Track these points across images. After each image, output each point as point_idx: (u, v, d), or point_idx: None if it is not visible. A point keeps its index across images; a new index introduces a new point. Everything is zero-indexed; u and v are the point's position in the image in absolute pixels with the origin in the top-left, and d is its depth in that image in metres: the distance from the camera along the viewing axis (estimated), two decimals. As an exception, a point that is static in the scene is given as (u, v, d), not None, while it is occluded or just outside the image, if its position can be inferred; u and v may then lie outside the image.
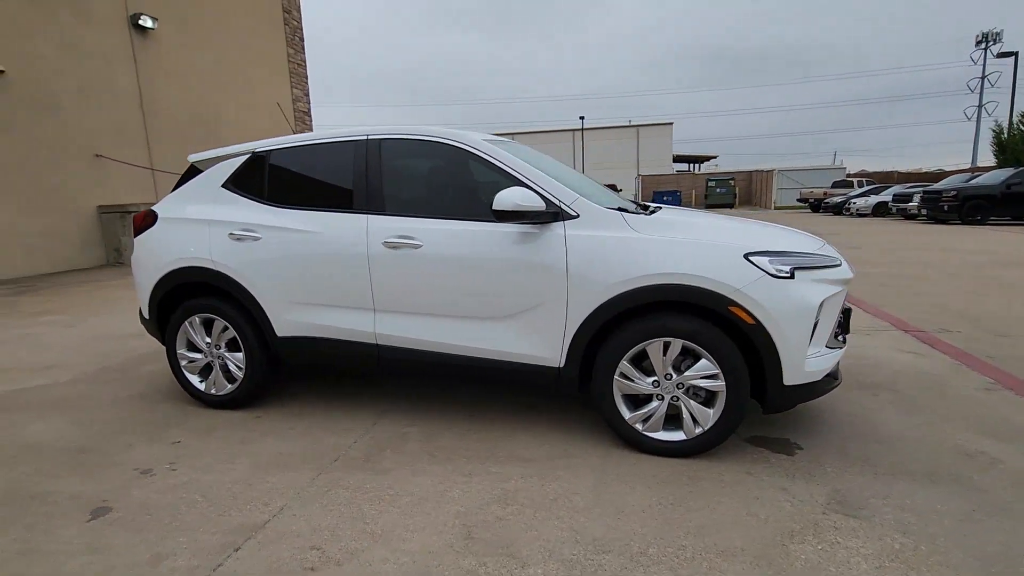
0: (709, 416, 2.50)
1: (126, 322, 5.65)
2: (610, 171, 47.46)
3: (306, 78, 18.38)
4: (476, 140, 2.86)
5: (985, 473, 2.37)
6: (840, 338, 2.76)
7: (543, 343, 2.67)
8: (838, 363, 2.72)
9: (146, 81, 12.44)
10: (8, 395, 3.66)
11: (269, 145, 3.25)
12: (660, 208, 3.54)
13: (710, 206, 34.32)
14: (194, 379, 3.32)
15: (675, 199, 35.35)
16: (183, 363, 3.32)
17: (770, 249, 2.50)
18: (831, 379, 2.63)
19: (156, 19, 12.50)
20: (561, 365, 2.66)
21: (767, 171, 34.53)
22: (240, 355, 3.19)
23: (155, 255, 3.30)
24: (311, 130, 18.41)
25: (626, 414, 2.61)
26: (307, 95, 18.43)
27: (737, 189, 35.66)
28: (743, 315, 2.39)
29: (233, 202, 3.20)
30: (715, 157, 57.62)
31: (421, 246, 2.78)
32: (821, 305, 2.47)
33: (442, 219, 2.81)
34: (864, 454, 2.57)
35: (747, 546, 1.93)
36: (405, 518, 2.15)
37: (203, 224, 3.20)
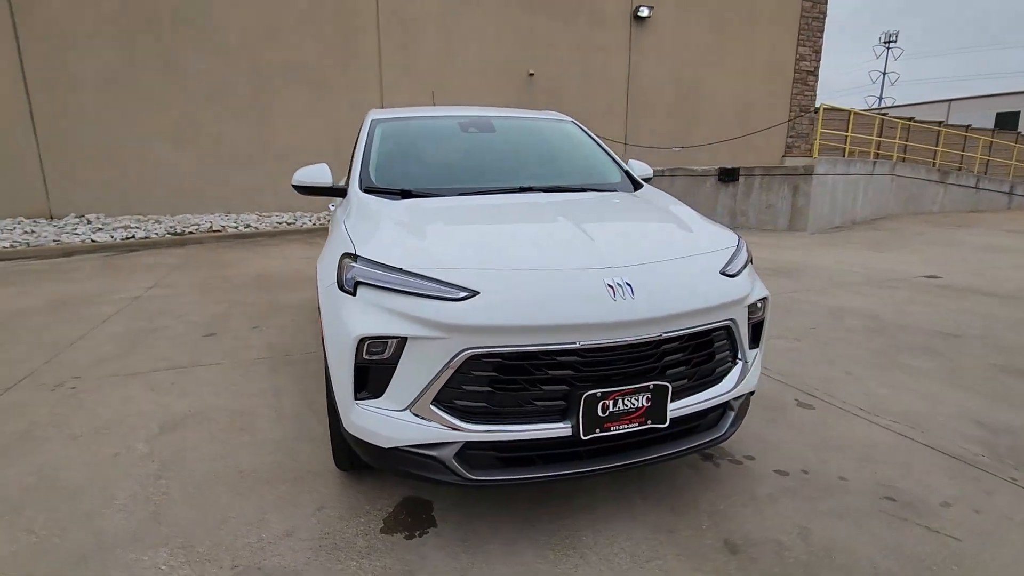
0: None
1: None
2: None
3: (821, 32, 16.42)
4: (370, 119, 3.11)
5: None
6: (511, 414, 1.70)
7: None
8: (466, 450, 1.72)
9: (635, 65, 14.62)
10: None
11: None
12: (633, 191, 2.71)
13: None
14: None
15: None
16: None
17: (364, 255, 1.86)
18: (433, 463, 1.73)
19: (652, 7, 14.31)
20: None
21: None
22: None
23: None
24: (813, 93, 16.64)
25: None
26: (817, 52, 16.52)
27: None
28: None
29: None
30: None
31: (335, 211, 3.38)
32: (393, 346, 1.70)
33: None
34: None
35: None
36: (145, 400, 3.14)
37: None
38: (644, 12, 14.23)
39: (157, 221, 10.57)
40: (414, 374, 1.70)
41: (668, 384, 1.75)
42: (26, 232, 9.23)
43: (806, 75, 16.51)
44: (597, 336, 1.68)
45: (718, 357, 1.95)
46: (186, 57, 10.94)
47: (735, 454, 2.43)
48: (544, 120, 3.42)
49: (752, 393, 2.16)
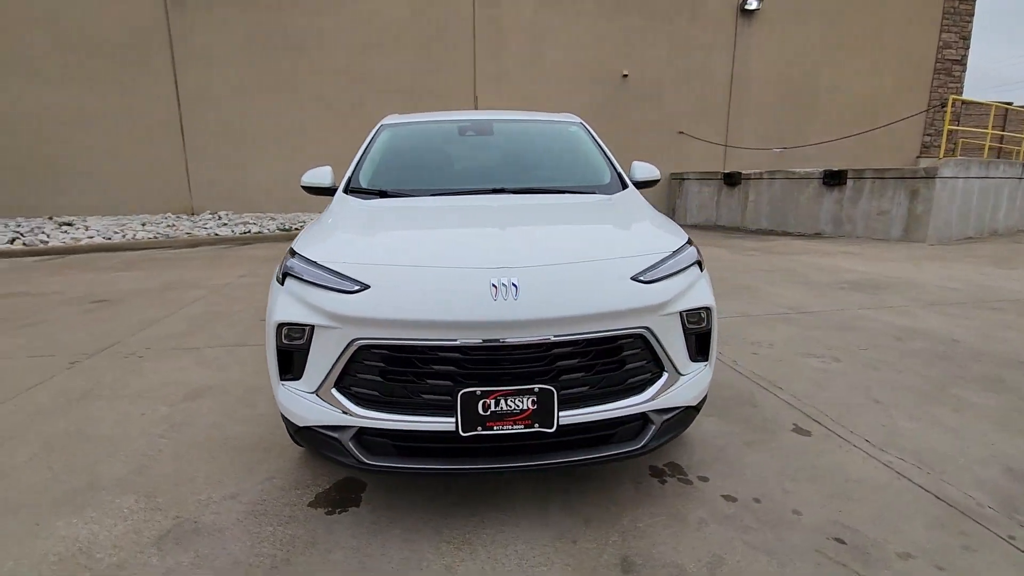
0: None
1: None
2: None
3: (970, 16, 14.30)
4: (379, 124, 3.32)
5: None
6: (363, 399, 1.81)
7: None
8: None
9: (740, 61, 13.76)
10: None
11: None
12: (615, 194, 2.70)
13: None
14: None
15: None
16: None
17: (298, 249, 2.04)
18: (337, 444, 1.85)
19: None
20: None
21: None
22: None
23: None
24: (959, 85, 14.54)
25: None
26: (965, 39, 14.40)
27: None
28: None
29: None
30: None
31: None
32: (306, 333, 1.85)
33: None
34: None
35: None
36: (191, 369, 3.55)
37: None
38: (752, 4, 13.37)
39: (272, 218, 11.86)
40: (320, 360, 1.84)
41: (552, 388, 1.72)
42: (168, 226, 10.83)
43: (951, 65, 14.47)
44: (479, 334, 1.70)
45: (630, 366, 1.86)
46: (300, 74, 12.18)
47: (689, 473, 2.29)
48: (548, 122, 3.42)
49: (691, 408, 2.03)
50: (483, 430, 1.73)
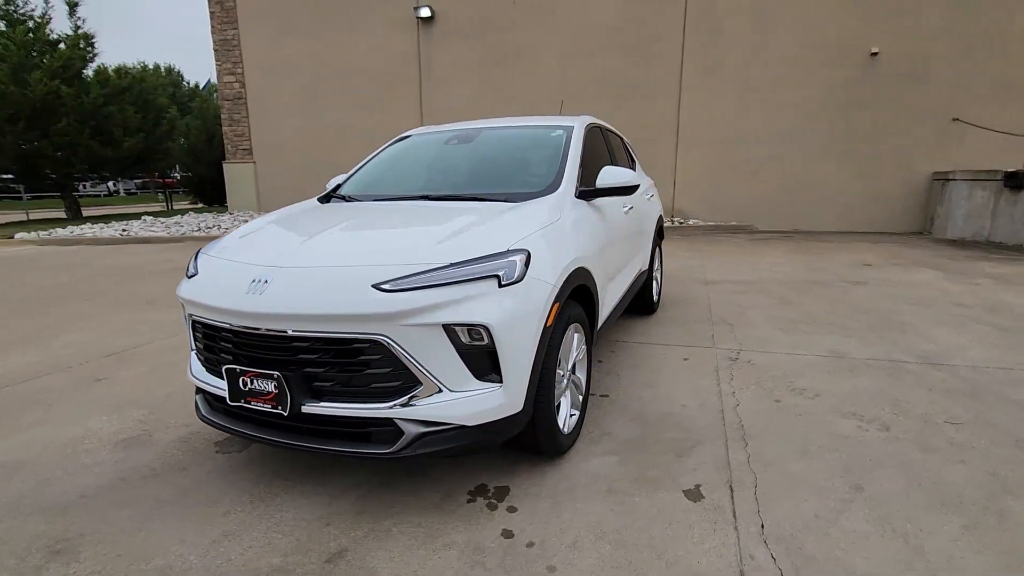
0: None
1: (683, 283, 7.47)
2: None
3: None
4: (404, 133, 3.72)
5: None
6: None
7: None
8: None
9: (1069, 16, 9.93)
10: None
11: None
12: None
13: None
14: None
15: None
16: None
17: (221, 250, 2.58)
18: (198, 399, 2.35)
19: (1116, -76, 9.40)
20: None
21: None
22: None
23: None
24: None
25: None
26: None
27: None
28: None
29: None
30: None
31: None
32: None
33: None
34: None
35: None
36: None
37: None
38: (1097, -66, 9.50)
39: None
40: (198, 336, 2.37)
41: (282, 376, 1.90)
42: (399, 220, 13.14)
43: None
44: (239, 321, 1.99)
45: (373, 371, 1.90)
46: (517, 82, 13.33)
47: (506, 500, 2.15)
48: (537, 128, 3.32)
49: (468, 428, 1.94)
50: (245, 403, 2.03)
